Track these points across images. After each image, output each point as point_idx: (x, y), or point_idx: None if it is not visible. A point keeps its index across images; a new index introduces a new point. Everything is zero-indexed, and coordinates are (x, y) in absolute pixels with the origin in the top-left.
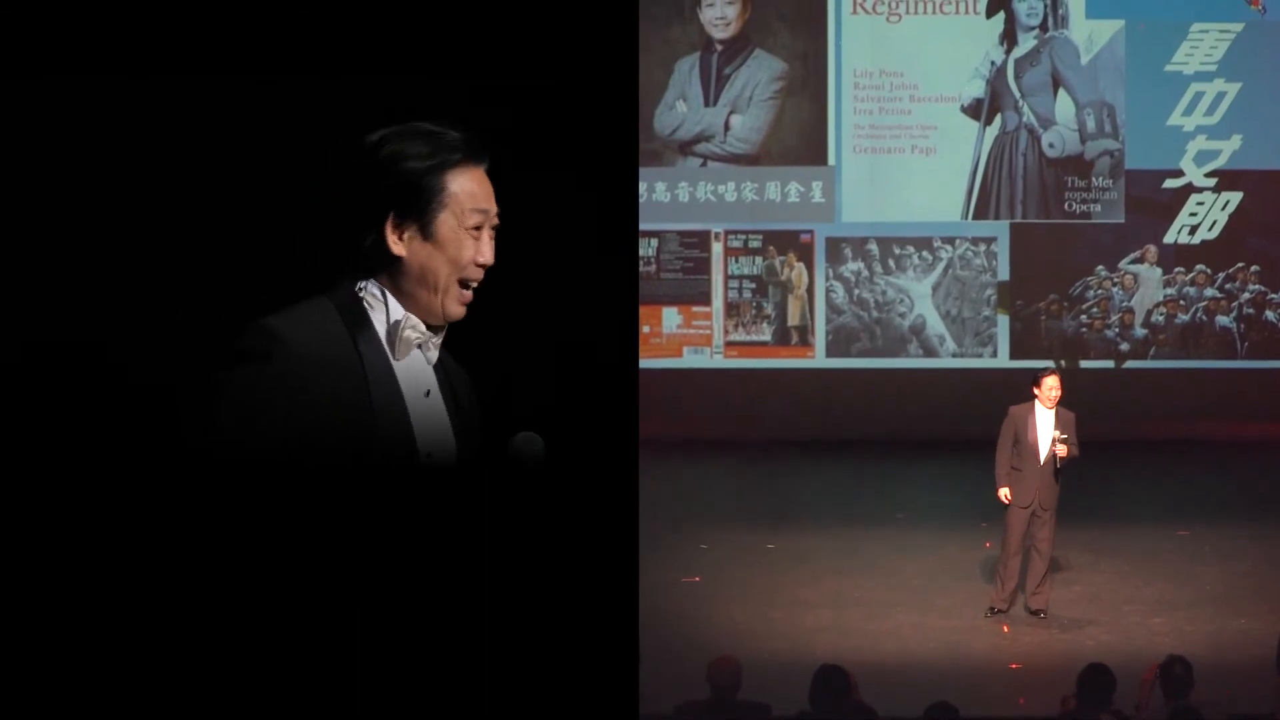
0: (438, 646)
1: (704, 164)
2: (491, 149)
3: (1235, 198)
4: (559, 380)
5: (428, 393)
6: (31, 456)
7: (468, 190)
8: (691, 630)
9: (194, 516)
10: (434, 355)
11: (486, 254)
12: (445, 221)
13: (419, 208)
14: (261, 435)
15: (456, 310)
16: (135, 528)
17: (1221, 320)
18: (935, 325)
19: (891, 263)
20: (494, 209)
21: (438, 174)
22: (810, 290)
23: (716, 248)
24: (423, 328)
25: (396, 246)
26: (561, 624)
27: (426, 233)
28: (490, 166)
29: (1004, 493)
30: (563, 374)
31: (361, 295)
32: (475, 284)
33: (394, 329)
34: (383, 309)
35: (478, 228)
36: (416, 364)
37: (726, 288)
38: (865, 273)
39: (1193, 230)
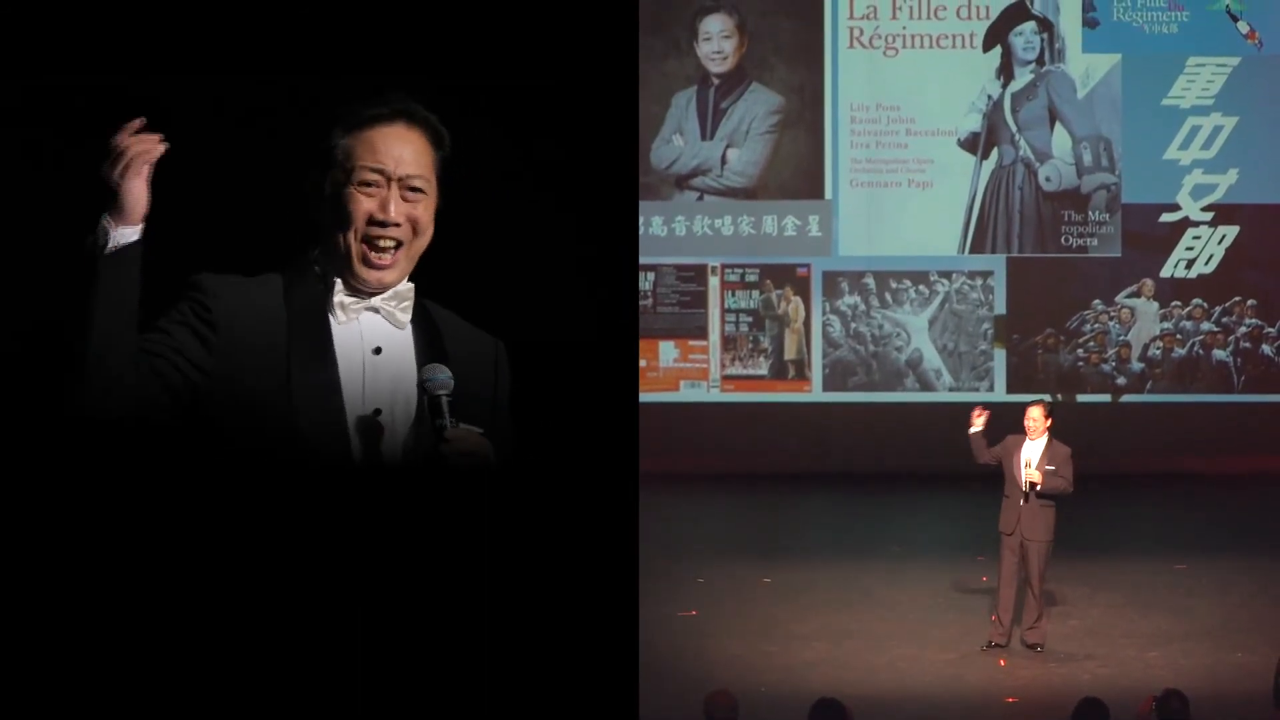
0: (437, 676)
1: (700, 198)
2: (422, 113)
3: (1232, 232)
4: (559, 414)
5: (378, 350)
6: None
7: (360, 147)
8: (688, 664)
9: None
10: (402, 318)
11: (389, 212)
12: (334, 178)
13: (317, 168)
14: (155, 333)
15: (365, 273)
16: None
17: (1218, 354)
18: (932, 359)
19: (888, 296)
20: (402, 170)
21: (335, 134)
22: (807, 324)
23: (713, 281)
24: (354, 290)
25: (312, 210)
26: (561, 657)
27: (321, 193)
28: (432, 126)
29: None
30: (562, 408)
31: (311, 264)
32: (390, 245)
33: (327, 294)
34: (321, 276)
35: (368, 184)
36: (367, 324)
37: (723, 322)
38: (862, 306)
39: (1189, 264)
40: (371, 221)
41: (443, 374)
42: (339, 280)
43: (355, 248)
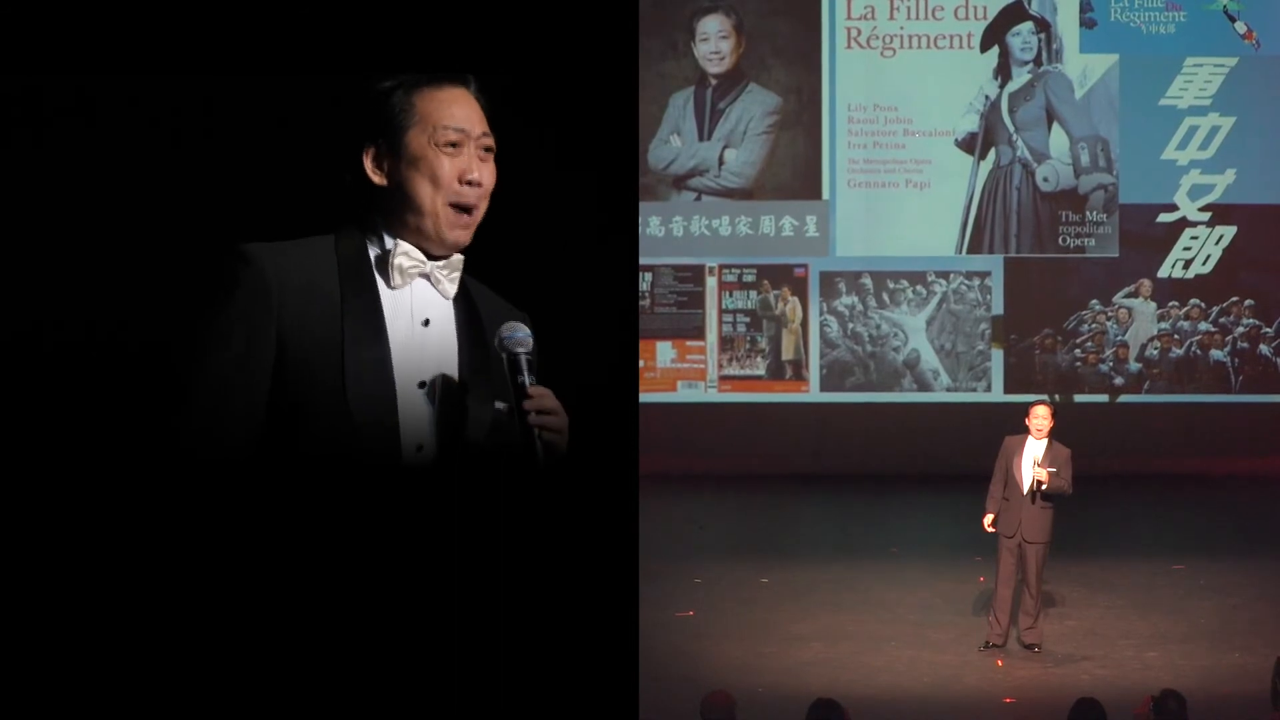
0: (436, 677)
1: (698, 198)
2: (476, 76)
3: (1229, 232)
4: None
5: (426, 322)
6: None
7: (438, 108)
8: (685, 665)
9: (180, 494)
10: (449, 288)
11: (475, 172)
12: (415, 139)
13: (388, 131)
14: (230, 356)
15: (454, 235)
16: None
17: (1215, 354)
18: (929, 360)
19: (886, 297)
20: (478, 130)
21: (404, 95)
22: (804, 324)
23: (711, 282)
24: (418, 255)
25: (376, 176)
26: (560, 658)
27: (399, 155)
28: (480, 92)
29: (987, 520)
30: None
31: (361, 231)
32: (472, 206)
33: (384, 257)
34: (378, 241)
35: (454, 144)
36: (418, 294)
37: (721, 322)
38: (859, 307)
39: (1187, 264)
40: (460, 181)
41: (521, 331)
42: (400, 241)
43: (443, 210)
